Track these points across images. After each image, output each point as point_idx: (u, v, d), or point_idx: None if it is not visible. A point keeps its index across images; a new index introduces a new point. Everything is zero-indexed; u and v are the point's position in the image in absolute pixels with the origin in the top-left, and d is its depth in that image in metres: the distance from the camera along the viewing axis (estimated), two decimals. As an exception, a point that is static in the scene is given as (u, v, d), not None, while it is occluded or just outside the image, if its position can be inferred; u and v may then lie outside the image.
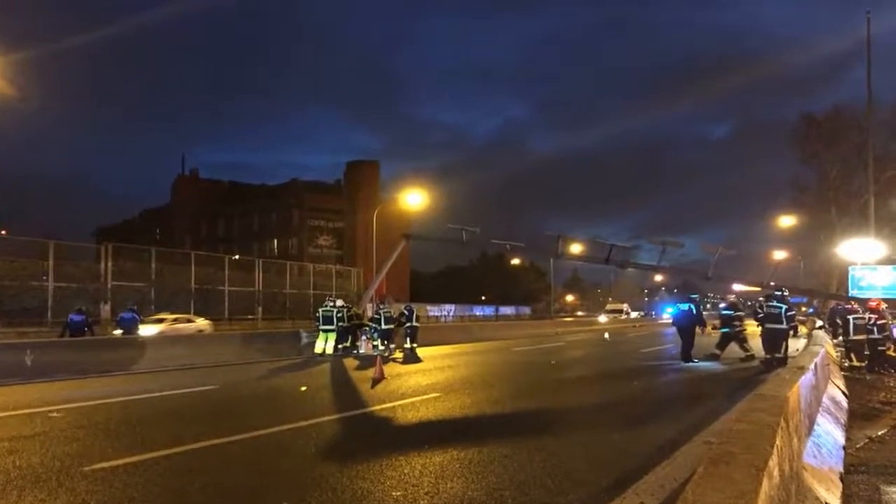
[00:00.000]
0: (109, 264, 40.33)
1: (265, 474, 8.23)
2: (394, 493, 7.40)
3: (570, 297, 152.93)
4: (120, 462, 8.57)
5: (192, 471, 8.30)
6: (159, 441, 9.92)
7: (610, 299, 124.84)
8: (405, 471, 8.36)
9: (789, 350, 22.75)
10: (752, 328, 25.81)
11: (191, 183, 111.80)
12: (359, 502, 7.12)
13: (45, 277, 36.90)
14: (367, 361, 23.49)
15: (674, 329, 25.97)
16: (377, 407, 13.72)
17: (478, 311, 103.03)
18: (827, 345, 20.31)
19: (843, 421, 11.22)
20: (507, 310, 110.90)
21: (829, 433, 9.40)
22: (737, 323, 25.09)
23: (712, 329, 26.54)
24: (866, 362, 21.93)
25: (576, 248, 37.49)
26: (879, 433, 10.85)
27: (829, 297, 43.18)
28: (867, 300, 24.90)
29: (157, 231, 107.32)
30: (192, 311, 41.01)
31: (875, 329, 22.06)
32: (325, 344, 26.83)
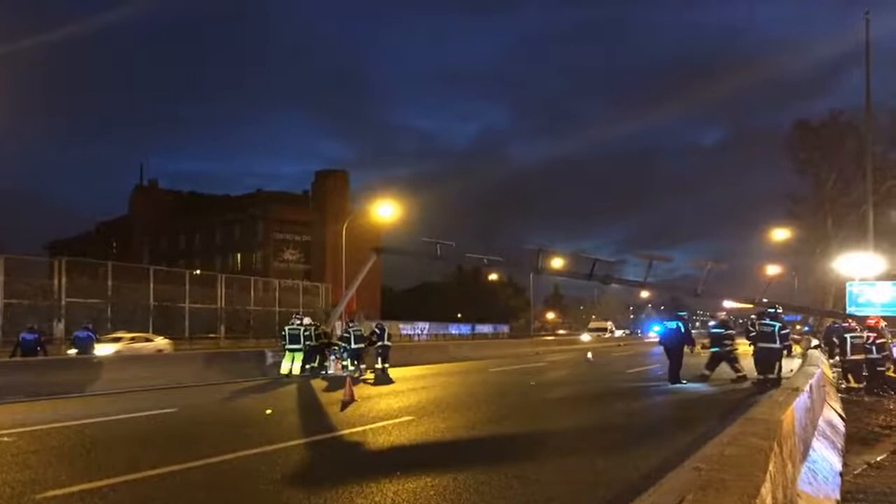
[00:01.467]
0: (63, 280, 40.09)
1: (228, 502, 8.20)
2: None
3: (550, 315, 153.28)
4: (75, 489, 8.47)
5: (151, 498, 8.24)
6: (116, 467, 9.78)
7: (593, 317, 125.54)
8: (376, 498, 8.34)
9: (783, 371, 22.61)
10: (744, 347, 25.73)
11: (149, 194, 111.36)
12: None
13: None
14: (336, 383, 23.40)
15: (661, 348, 25.85)
16: (347, 431, 13.64)
17: (453, 329, 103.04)
18: (823, 365, 20.29)
19: (839, 446, 11.24)
20: (485, 328, 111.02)
21: (825, 458, 9.40)
22: (727, 342, 24.86)
23: (701, 348, 26.61)
24: (864, 384, 21.81)
25: (557, 263, 37.55)
26: (878, 458, 10.87)
27: (826, 314, 42.88)
28: (865, 318, 24.95)
29: (114, 245, 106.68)
30: (150, 330, 40.91)
31: (874, 348, 22.05)
32: (291, 364, 26.66)
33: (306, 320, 28.41)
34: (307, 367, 27.28)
